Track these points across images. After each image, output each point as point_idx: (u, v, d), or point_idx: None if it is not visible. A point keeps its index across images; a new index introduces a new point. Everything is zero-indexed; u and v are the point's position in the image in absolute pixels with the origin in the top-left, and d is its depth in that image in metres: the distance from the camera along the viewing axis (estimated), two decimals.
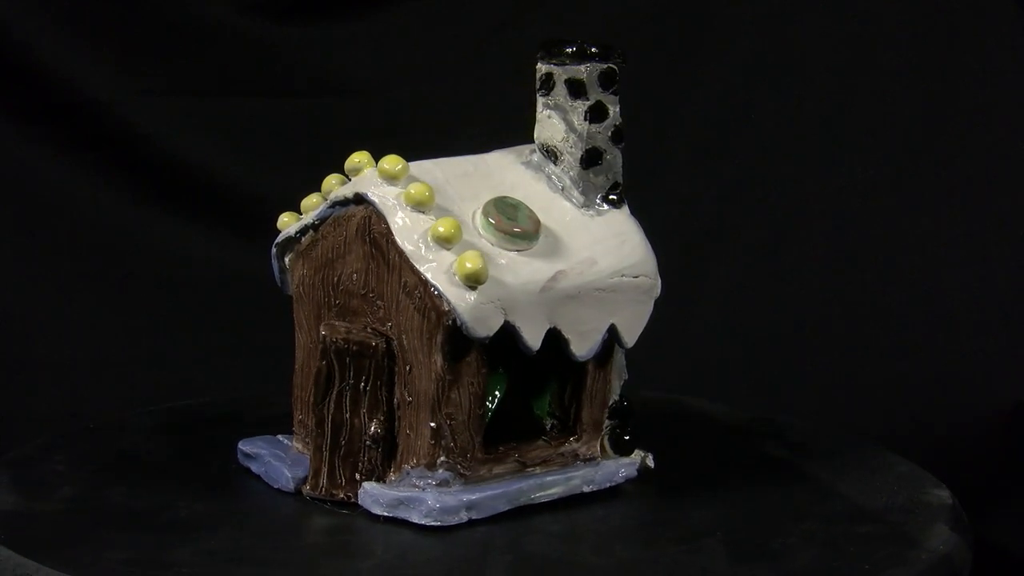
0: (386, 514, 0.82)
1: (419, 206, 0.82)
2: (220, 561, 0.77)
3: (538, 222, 0.83)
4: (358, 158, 0.85)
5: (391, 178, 0.83)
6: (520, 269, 0.81)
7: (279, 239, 0.88)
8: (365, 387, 0.82)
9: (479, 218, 0.83)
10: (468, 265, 0.79)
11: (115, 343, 1.39)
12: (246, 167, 1.41)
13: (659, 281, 0.86)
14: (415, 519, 0.81)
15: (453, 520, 0.81)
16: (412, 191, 0.82)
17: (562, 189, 0.87)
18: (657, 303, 0.86)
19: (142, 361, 1.39)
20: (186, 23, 1.38)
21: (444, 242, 0.80)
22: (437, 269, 0.80)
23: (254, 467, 0.89)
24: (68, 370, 1.38)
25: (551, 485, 0.85)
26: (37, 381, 1.38)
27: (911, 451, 0.98)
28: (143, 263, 1.41)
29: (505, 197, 0.84)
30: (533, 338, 0.82)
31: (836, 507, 0.86)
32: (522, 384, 0.87)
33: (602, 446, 0.88)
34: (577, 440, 0.87)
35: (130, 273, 1.41)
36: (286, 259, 0.88)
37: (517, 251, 0.82)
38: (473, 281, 0.79)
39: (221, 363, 1.38)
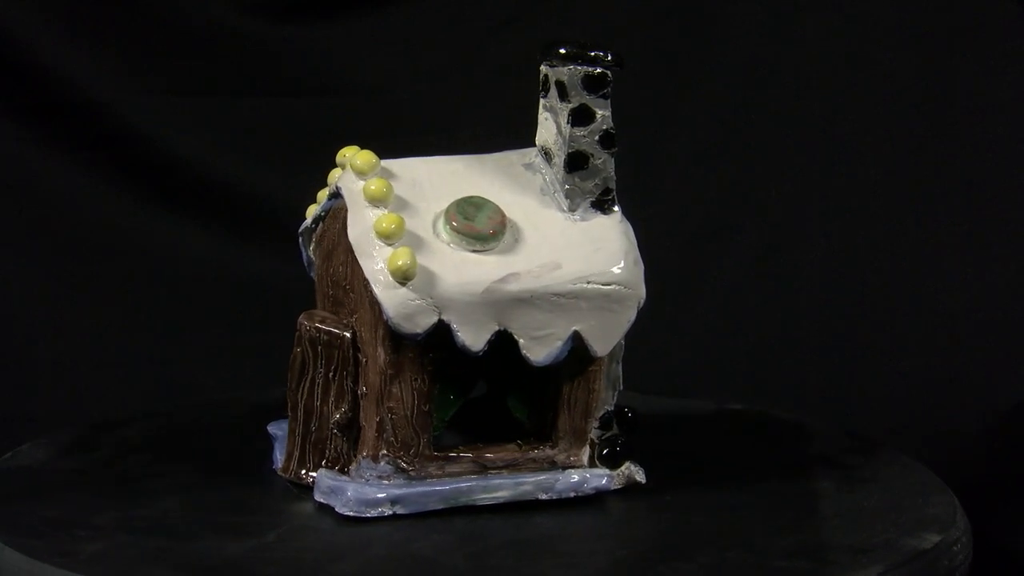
0: (321, 501, 0.83)
1: (376, 201, 0.83)
2: (124, 528, 0.80)
3: (501, 224, 0.83)
4: (347, 152, 0.86)
5: (360, 173, 0.84)
6: (467, 269, 0.81)
7: (301, 228, 0.90)
8: (333, 376, 0.84)
9: (441, 217, 0.83)
10: (397, 262, 0.79)
11: (115, 343, 1.40)
12: (246, 167, 1.41)
13: (640, 291, 0.84)
14: (338, 508, 0.82)
15: (372, 513, 0.82)
16: (372, 186, 0.83)
17: (554, 192, 0.86)
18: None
19: (142, 361, 1.39)
20: (186, 23, 1.38)
21: (385, 238, 0.81)
22: (375, 264, 0.81)
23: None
24: (68, 370, 1.39)
25: (497, 488, 0.84)
26: (37, 381, 1.38)
27: (911, 451, 0.98)
28: (143, 263, 1.41)
29: (472, 197, 0.84)
30: (473, 339, 0.81)
31: (790, 539, 0.81)
32: (513, 387, 0.87)
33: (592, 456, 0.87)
34: (552, 447, 0.85)
35: (130, 273, 1.41)
36: (311, 248, 0.90)
37: (473, 251, 0.82)
38: (401, 277, 0.79)
39: (221, 363, 1.38)
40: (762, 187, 1.41)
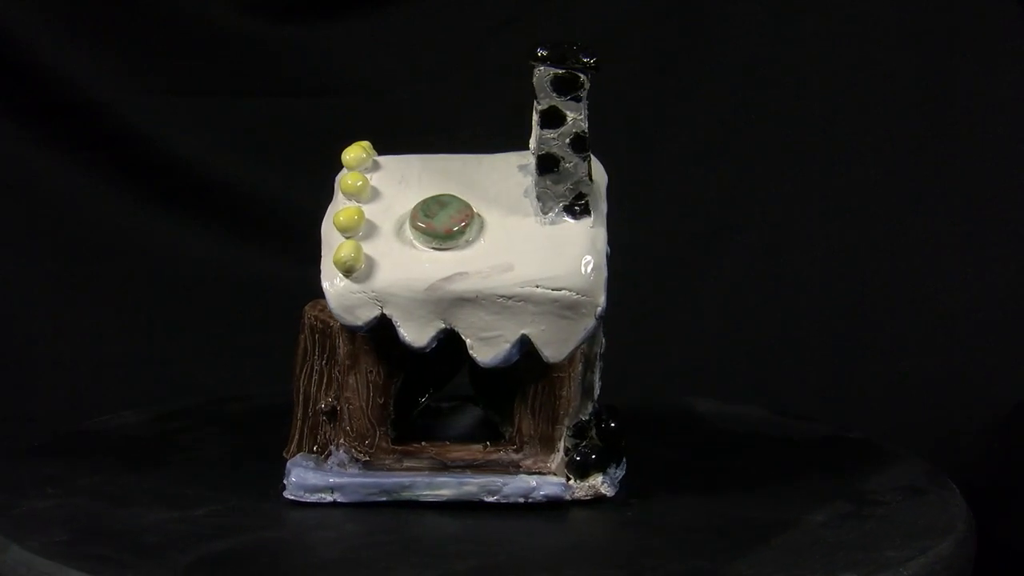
0: (284, 483, 0.85)
1: (350, 195, 0.84)
2: (88, 492, 0.85)
3: (462, 223, 0.82)
4: (348, 147, 0.88)
5: (348, 167, 0.86)
6: (418, 266, 0.81)
7: None
8: (325, 364, 0.86)
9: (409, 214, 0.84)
10: (341, 253, 0.81)
11: (115, 343, 1.40)
12: (246, 167, 1.41)
13: (598, 298, 0.81)
14: (285, 491, 0.84)
15: (311, 498, 0.84)
16: (347, 180, 0.84)
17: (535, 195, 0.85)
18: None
19: (142, 361, 1.39)
20: (186, 23, 1.38)
21: (342, 230, 0.82)
22: (328, 255, 0.82)
23: None
24: (68, 370, 1.39)
25: (441, 487, 0.84)
26: (37, 381, 1.38)
27: (911, 451, 0.98)
28: (143, 263, 1.41)
29: (440, 195, 0.84)
30: (416, 335, 0.81)
31: (703, 565, 0.76)
32: (487, 389, 0.87)
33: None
34: (517, 451, 0.84)
35: (130, 273, 1.41)
36: None
37: (435, 249, 0.82)
38: (343, 269, 0.81)
39: (221, 363, 1.38)
40: (762, 187, 1.41)
